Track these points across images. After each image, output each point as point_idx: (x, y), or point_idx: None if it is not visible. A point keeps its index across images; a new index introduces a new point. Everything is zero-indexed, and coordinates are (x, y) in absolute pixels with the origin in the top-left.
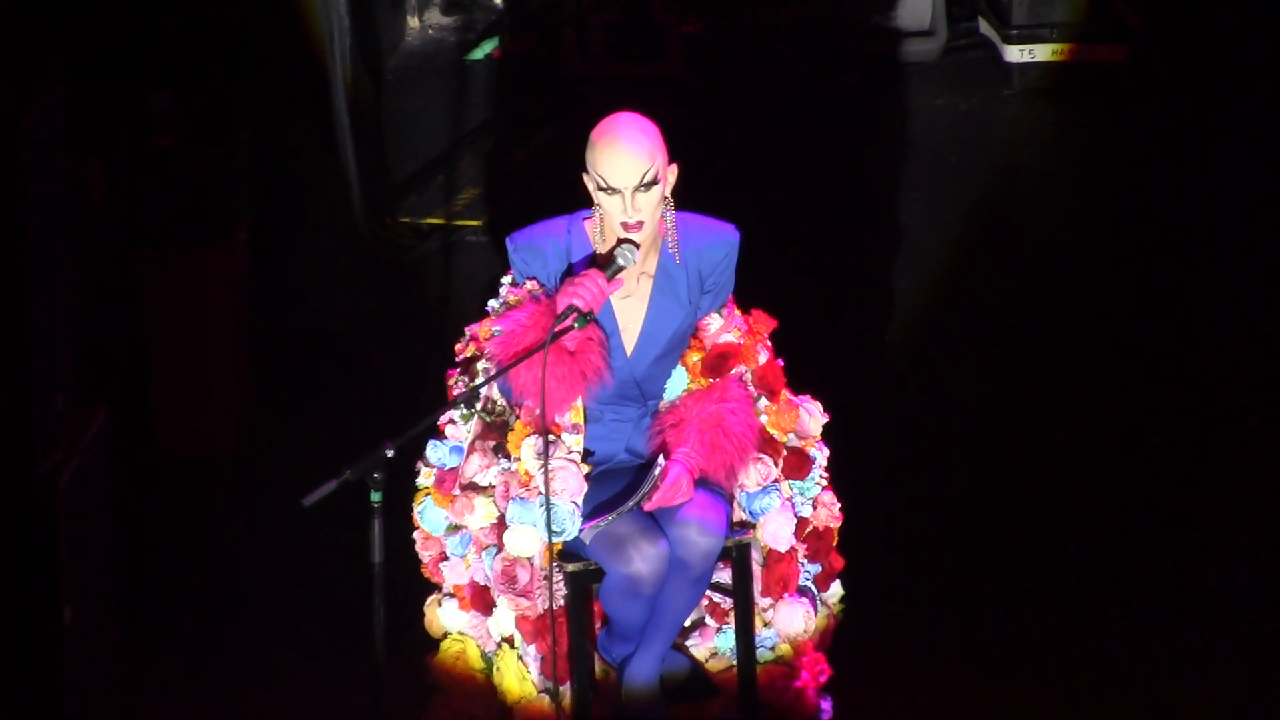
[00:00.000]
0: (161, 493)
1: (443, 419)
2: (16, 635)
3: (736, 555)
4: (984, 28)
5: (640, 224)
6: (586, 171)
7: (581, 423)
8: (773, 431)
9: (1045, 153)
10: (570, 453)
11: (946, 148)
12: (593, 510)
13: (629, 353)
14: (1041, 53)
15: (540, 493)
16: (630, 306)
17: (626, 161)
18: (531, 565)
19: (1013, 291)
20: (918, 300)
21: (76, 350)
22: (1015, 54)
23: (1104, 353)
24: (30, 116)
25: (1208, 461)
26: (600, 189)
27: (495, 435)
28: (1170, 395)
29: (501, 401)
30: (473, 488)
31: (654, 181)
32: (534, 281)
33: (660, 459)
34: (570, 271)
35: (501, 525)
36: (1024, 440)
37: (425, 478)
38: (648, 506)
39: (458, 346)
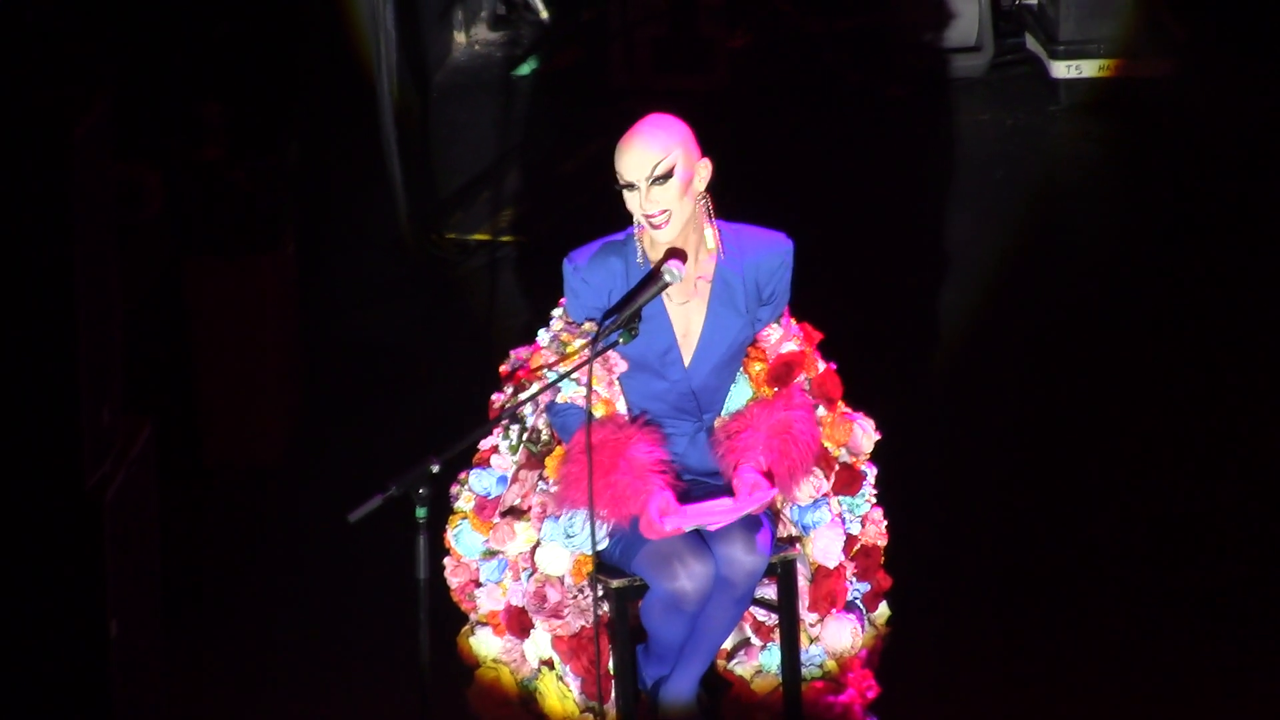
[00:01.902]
0: (207, 505)
1: (486, 446)
2: (64, 648)
3: (782, 571)
4: (1030, 43)
5: (664, 216)
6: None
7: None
8: (826, 444)
9: (1092, 168)
10: None
11: (993, 163)
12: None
13: (687, 362)
14: (1088, 68)
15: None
16: (688, 313)
17: (637, 154)
18: (561, 585)
19: (1060, 307)
20: (965, 315)
21: (123, 362)
22: (1062, 69)
23: (1155, 369)
24: (81, 125)
25: (1267, 480)
26: (620, 187)
27: (537, 465)
28: (1225, 414)
29: (546, 432)
30: (512, 512)
31: (668, 174)
32: (591, 323)
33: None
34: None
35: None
36: (1073, 459)
37: (465, 502)
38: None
39: (502, 369)
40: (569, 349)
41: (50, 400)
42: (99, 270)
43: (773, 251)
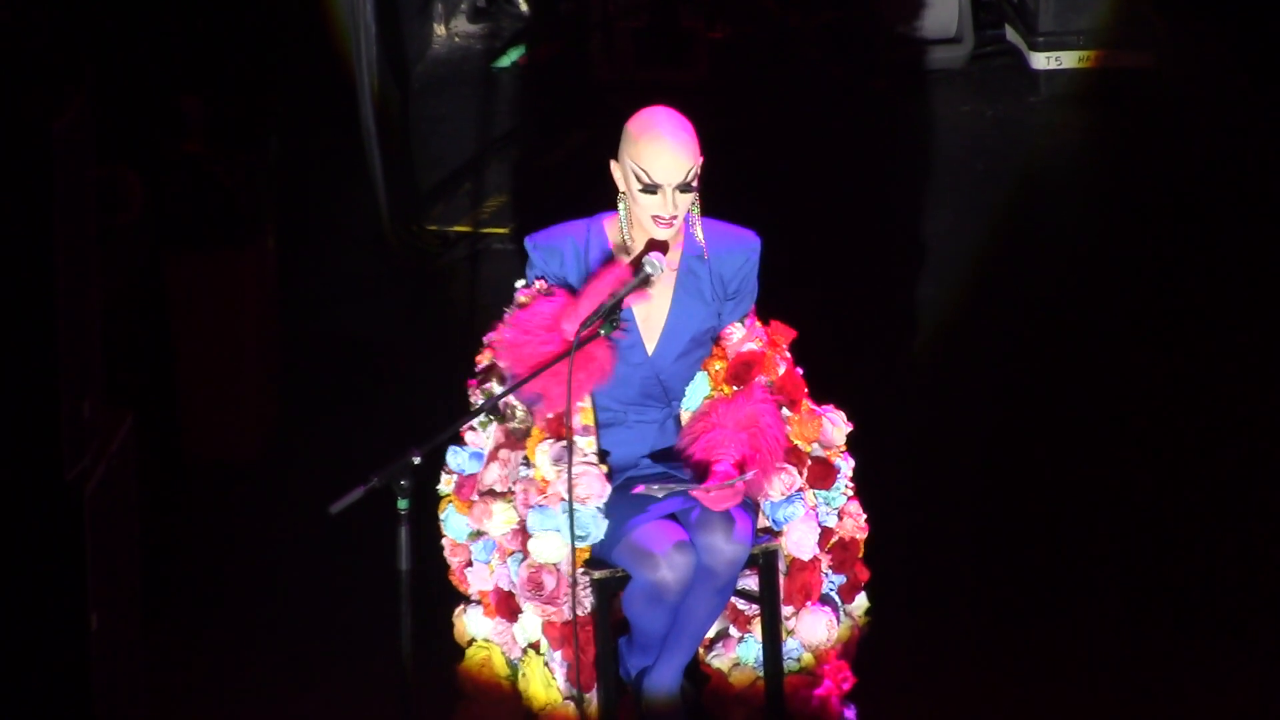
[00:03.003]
0: (188, 498)
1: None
2: (44, 641)
3: (763, 562)
4: (1010, 35)
5: (674, 219)
6: (618, 162)
7: (592, 424)
8: (797, 442)
9: (1072, 160)
10: (585, 455)
11: (973, 155)
12: (644, 478)
13: (651, 349)
14: (1068, 59)
15: (562, 499)
16: (653, 302)
17: (673, 159)
18: (557, 571)
19: (1040, 299)
20: (944, 307)
21: (104, 356)
22: (1042, 61)
23: (1135, 362)
24: (59, 121)
25: (1238, 474)
26: (641, 184)
27: (518, 445)
28: (1201, 405)
29: (522, 409)
30: (491, 493)
31: (693, 180)
32: (542, 281)
33: (749, 474)
34: (588, 272)
35: (523, 531)
36: (1051, 451)
37: (446, 484)
38: (695, 491)
39: (477, 357)
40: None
41: (30, 393)
42: (79, 264)
43: (740, 248)
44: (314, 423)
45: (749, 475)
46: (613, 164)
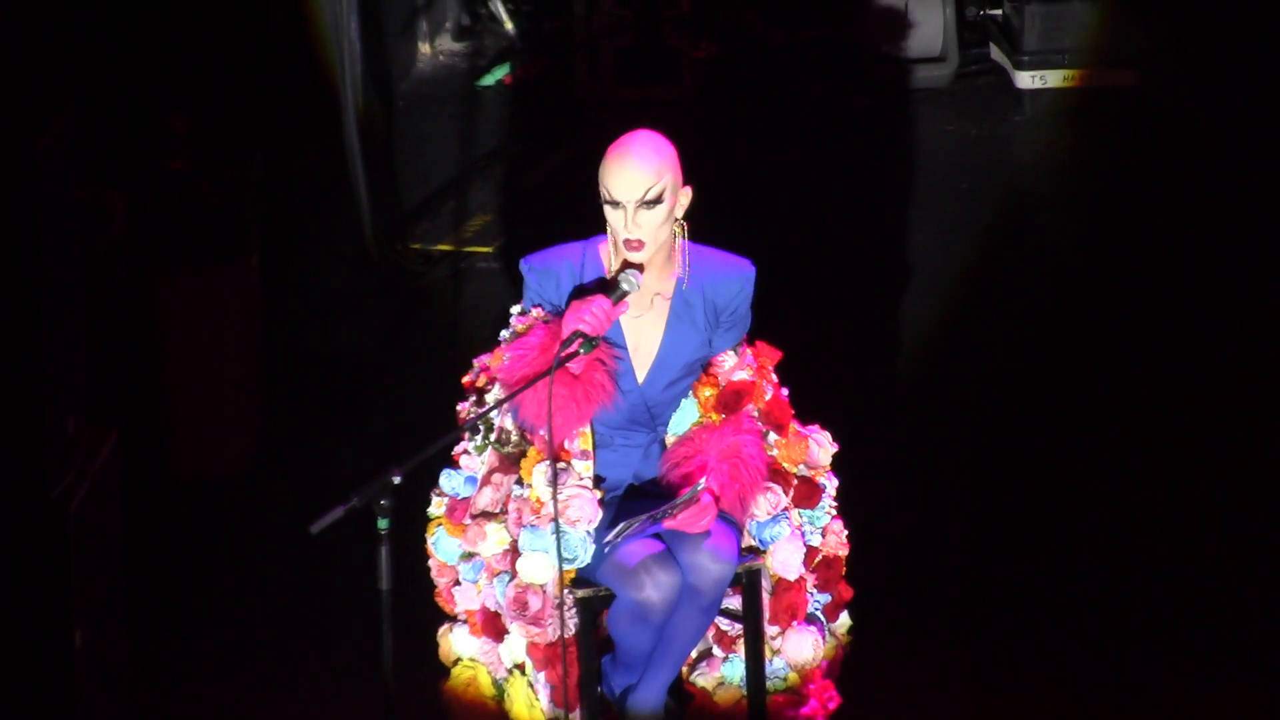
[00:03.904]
0: (173, 515)
1: (457, 449)
2: (28, 659)
3: (746, 581)
4: (995, 53)
5: (640, 243)
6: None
7: (590, 449)
8: (784, 464)
9: (1057, 178)
10: (581, 479)
11: (958, 173)
12: (613, 518)
13: (641, 377)
14: (1053, 78)
15: (552, 520)
16: (644, 329)
17: (630, 175)
18: (544, 592)
19: (1024, 317)
20: (929, 325)
21: (88, 372)
22: (1027, 80)
23: (1116, 378)
24: (42, 137)
25: (1219, 486)
26: (605, 201)
27: (511, 468)
28: (1184, 421)
29: (516, 433)
30: (485, 515)
31: (658, 200)
32: (539, 309)
33: (702, 482)
34: (580, 294)
35: (514, 552)
36: (1035, 468)
37: (437, 507)
38: (668, 523)
39: (465, 379)
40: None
41: (14, 410)
42: (63, 280)
43: (733, 277)
44: (298, 440)
45: (700, 487)
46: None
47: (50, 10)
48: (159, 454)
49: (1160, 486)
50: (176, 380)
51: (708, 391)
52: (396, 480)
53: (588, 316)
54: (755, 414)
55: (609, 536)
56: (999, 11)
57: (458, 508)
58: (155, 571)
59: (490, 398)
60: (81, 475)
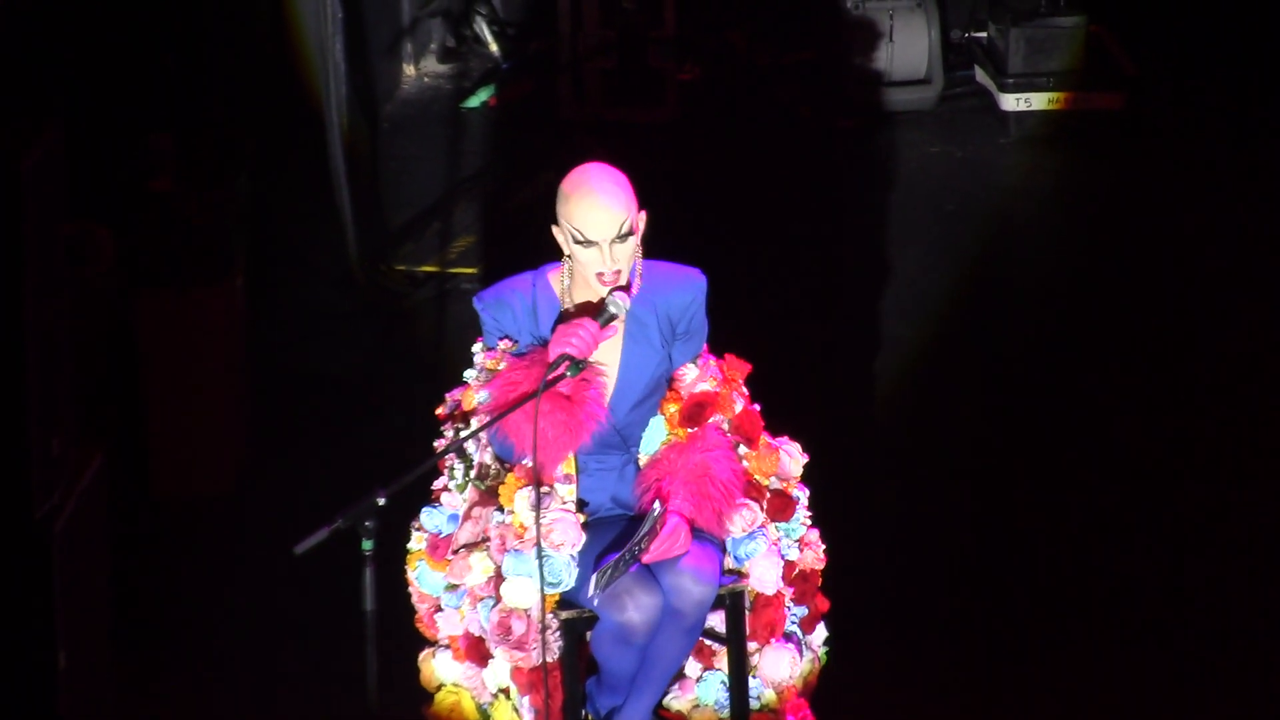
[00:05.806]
0: (157, 535)
1: (438, 485)
2: (12, 680)
3: (730, 603)
4: (980, 76)
5: (618, 274)
6: (557, 224)
7: (574, 473)
8: (756, 476)
9: (1041, 201)
10: (564, 503)
11: (943, 195)
12: (594, 563)
13: (607, 400)
14: (1038, 101)
15: (536, 544)
16: (603, 354)
17: (603, 215)
18: (527, 617)
19: (1008, 338)
20: (913, 347)
21: (73, 393)
22: (1011, 102)
23: (1099, 400)
24: (28, 159)
25: (1204, 505)
26: (577, 242)
27: (491, 501)
28: (1167, 441)
29: (495, 465)
30: (466, 548)
31: (630, 232)
32: (506, 340)
33: (656, 505)
34: (536, 325)
35: (498, 577)
36: (1015, 484)
37: (418, 542)
38: (646, 558)
39: (439, 411)
40: (497, 369)
41: None
42: (48, 302)
43: (684, 288)
44: (283, 460)
45: (655, 513)
46: (554, 228)
47: (35, 31)
48: (144, 475)
49: (1147, 504)
50: (161, 401)
51: (672, 408)
52: (381, 501)
53: (575, 340)
54: (725, 426)
55: (591, 590)
56: (984, 34)
57: (440, 545)
58: (140, 592)
59: (475, 423)
60: (66, 496)
